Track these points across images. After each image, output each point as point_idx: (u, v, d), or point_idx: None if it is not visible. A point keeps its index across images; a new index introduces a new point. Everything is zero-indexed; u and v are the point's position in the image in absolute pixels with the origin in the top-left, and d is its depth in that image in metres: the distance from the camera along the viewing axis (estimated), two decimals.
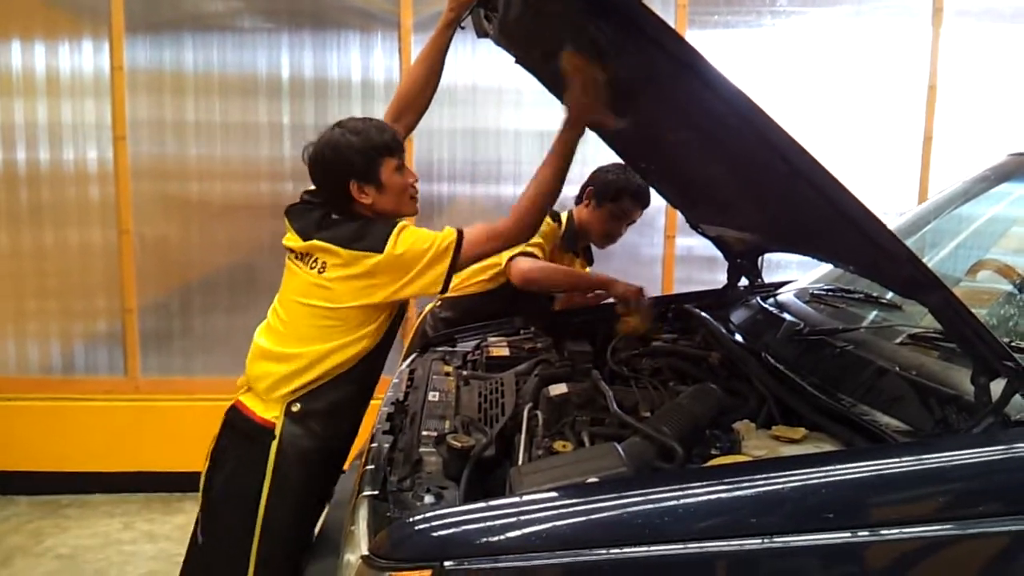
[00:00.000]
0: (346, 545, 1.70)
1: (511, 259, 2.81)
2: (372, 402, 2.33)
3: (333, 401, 2.17)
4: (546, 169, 2.16)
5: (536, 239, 2.76)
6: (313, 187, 2.27)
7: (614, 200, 3.05)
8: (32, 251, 4.22)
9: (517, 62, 2.43)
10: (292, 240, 2.21)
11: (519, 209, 2.18)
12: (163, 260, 4.29)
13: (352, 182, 2.13)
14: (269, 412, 2.17)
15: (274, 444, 2.13)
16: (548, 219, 2.91)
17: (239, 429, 2.21)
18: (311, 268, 2.14)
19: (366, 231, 2.10)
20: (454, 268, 2.10)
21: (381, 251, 2.06)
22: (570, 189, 3.00)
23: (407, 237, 2.08)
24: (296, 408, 2.15)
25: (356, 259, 2.08)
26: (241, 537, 2.14)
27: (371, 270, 2.07)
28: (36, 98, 4.15)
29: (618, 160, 2.90)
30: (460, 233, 2.13)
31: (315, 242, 2.13)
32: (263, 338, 2.25)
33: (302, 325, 2.17)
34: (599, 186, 3.06)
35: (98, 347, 4.33)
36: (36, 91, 4.14)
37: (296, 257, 2.20)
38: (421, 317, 3.20)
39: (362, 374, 2.21)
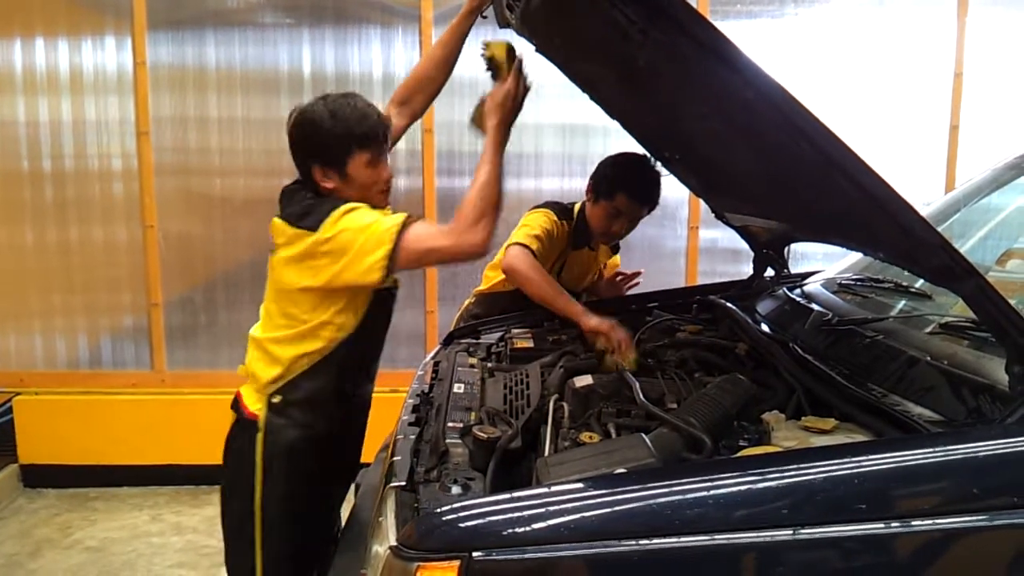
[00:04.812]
0: (374, 536, 1.69)
1: (510, 245, 2.70)
2: (394, 395, 2.32)
3: (312, 390, 2.12)
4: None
5: (538, 231, 2.68)
6: None
7: (609, 197, 2.79)
8: (58, 247, 4.27)
9: (538, 50, 2.42)
10: None
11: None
12: (188, 255, 4.33)
13: (316, 165, 2.06)
14: (255, 404, 2.15)
15: (259, 436, 2.12)
16: (557, 219, 2.79)
17: (236, 420, 2.21)
18: (271, 250, 2.10)
19: (313, 209, 2.00)
20: (394, 259, 1.94)
21: (315, 230, 1.96)
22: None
23: (349, 219, 1.96)
24: (276, 400, 2.12)
25: (297, 237, 2.00)
26: (242, 527, 2.15)
27: (308, 250, 1.98)
28: (60, 95, 4.19)
29: (632, 149, 2.78)
30: (408, 220, 1.98)
31: (275, 219, 2.08)
32: (255, 327, 2.23)
33: (272, 311, 2.15)
34: (597, 180, 2.83)
35: (124, 341, 4.38)
36: (60, 88, 4.18)
37: None
38: (458, 314, 3.16)
39: (341, 361, 2.14)
